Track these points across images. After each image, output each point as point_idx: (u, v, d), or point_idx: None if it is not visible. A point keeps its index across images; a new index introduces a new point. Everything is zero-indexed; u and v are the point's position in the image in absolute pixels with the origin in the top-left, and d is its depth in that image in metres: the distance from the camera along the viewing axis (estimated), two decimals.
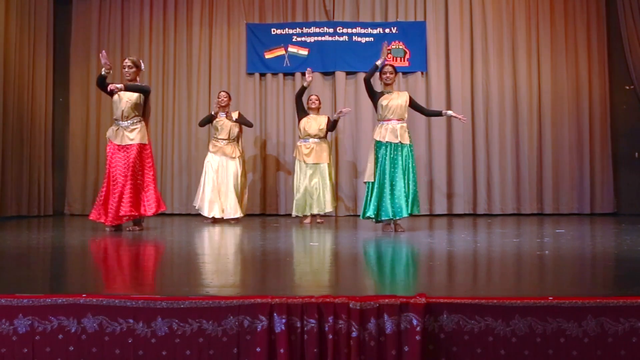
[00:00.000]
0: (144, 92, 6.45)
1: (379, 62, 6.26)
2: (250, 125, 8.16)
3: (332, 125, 7.81)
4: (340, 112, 7.60)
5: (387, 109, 6.29)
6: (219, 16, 9.55)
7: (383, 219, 6.25)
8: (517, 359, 2.53)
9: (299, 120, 7.78)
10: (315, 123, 7.69)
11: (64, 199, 9.52)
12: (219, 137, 7.80)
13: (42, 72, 9.20)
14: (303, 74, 9.22)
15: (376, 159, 6.27)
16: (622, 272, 3.80)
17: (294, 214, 7.74)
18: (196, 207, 7.89)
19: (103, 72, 6.31)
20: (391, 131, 6.23)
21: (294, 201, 7.71)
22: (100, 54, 6.40)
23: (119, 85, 6.29)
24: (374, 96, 6.40)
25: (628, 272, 3.72)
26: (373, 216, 6.26)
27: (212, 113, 7.87)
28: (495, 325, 2.53)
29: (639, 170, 9.10)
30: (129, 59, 6.55)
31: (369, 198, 6.30)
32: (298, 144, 7.80)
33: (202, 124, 8.07)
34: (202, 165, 7.94)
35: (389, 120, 6.28)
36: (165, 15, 9.57)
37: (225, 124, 7.79)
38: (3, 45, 8.25)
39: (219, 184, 7.68)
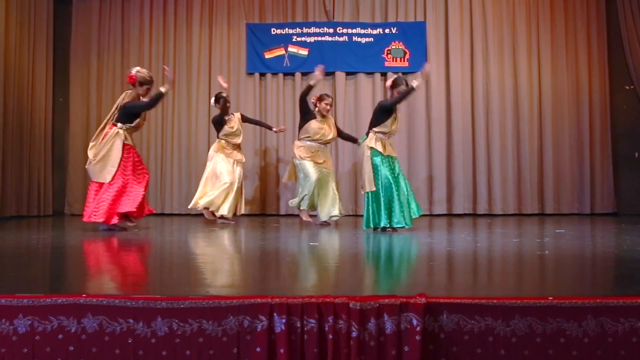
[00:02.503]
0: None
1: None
2: (261, 124, 8.42)
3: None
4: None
5: (397, 123, 6.45)
6: (219, 16, 9.54)
7: (397, 226, 6.04)
8: (517, 359, 2.53)
9: (306, 121, 7.24)
10: (331, 130, 7.34)
11: (64, 199, 9.51)
12: (234, 141, 7.62)
13: (42, 72, 9.20)
14: (303, 74, 9.26)
15: (374, 167, 6.14)
16: (622, 272, 3.80)
17: (304, 206, 7.24)
18: (189, 207, 7.79)
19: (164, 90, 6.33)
20: (390, 145, 6.34)
21: (304, 195, 7.20)
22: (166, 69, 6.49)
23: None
24: (391, 110, 6.36)
25: (628, 272, 3.72)
26: (386, 225, 6.04)
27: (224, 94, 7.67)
28: (495, 325, 2.53)
29: (639, 170, 9.10)
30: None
31: (375, 208, 6.06)
32: (308, 143, 7.25)
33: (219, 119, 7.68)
34: (202, 166, 7.90)
35: (392, 136, 6.45)
36: (165, 15, 9.56)
37: (239, 130, 7.66)
38: (3, 45, 8.24)
39: (217, 183, 7.43)
